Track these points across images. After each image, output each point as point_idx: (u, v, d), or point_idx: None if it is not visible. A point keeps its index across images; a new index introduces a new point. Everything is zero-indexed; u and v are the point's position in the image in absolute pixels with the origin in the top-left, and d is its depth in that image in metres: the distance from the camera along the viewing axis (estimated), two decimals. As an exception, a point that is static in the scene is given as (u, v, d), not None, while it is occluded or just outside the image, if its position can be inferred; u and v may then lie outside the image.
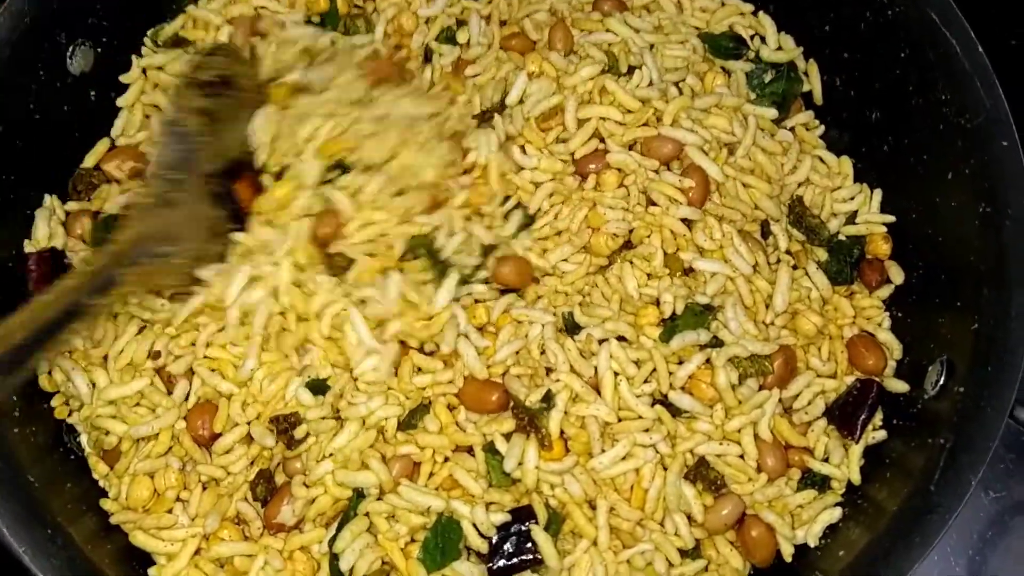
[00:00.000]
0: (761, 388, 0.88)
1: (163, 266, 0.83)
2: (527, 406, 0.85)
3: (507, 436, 0.85)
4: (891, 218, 0.96)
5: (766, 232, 0.94)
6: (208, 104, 0.88)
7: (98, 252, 0.83)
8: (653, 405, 0.87)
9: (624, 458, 0.85)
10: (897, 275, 0.94)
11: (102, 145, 0.97)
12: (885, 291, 0.95)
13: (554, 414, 0.84)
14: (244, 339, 0.87)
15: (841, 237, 0.96)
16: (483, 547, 0.82)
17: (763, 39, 1.03)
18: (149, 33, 1.00)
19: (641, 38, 0.99)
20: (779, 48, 1.03)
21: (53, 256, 0.92)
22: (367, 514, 0.83)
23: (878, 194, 0.97)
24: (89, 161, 0.97)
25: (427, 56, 1.01)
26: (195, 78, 0.90)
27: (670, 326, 0.88)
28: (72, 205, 0.95)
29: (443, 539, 0.82)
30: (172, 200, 0.85)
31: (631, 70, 0.97)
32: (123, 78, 0.98)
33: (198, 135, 0.87)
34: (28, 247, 0.92)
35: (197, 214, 0.86)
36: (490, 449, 0.85)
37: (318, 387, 0.85)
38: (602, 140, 0.96)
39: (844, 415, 0.88)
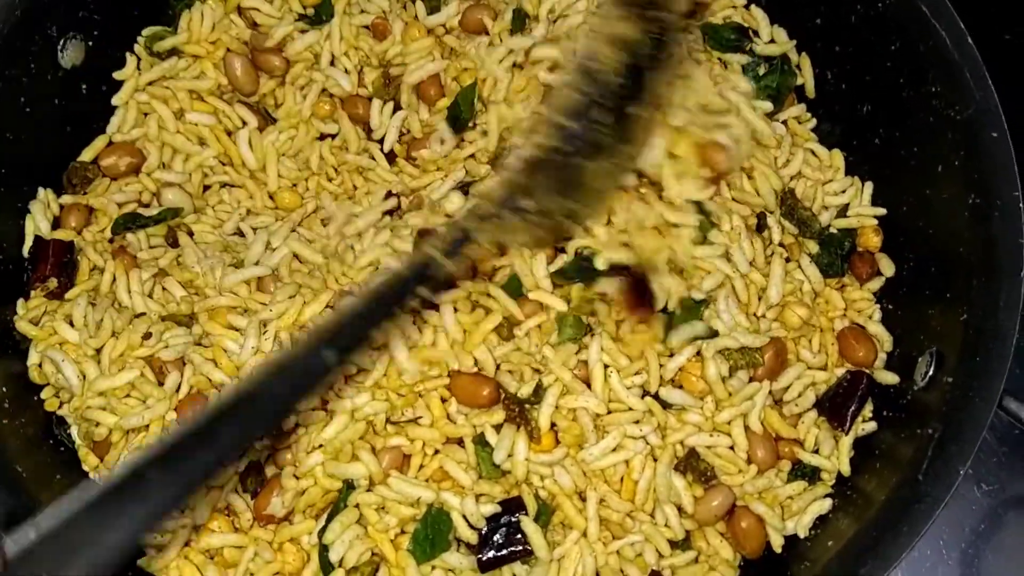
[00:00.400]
0: (751, 380, 0.88)
1: (518, 222, 0.76)
2: (518, 398, 0.85)
3: (497, 428, 0.85)
4: (882, 211, 0.96)
5: (762, 225, 0.94)
6: (628, 32, 0.75)
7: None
8: (643, 397, 0.86)
9: (614, 450, 0.85)
10: (888, 267, 0.94)
11: (100, 140, 0.97)
12: (876, 283, 0.95)
13: (544, 407, 0.84)
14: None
15: (832, 230, 0.96)
16: (473, 538, 0.82)
17: (756, 32, 1.03)
18: (145, 35, 0.99)
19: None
20: (772, 41, 1.02)
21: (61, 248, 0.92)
22: (357, 505, 0.83)
23: (869, 187, 0.97)
24: (86, 156, 0.97)
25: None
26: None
27: (664, 320, 0.88)
28: (66, 198, 0.95)
29: (433, 530, 0.82)
30: (556, 152, 0.76)
31: None
32: (117, 75, 0.98)
33: (610, 74, 0.74)
34: (29, 236, 0.92)
35: (563, 170, 0.76)
36: (480, 441, 0.84)
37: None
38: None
39: (834, 407, 0.88)
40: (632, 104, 0.76)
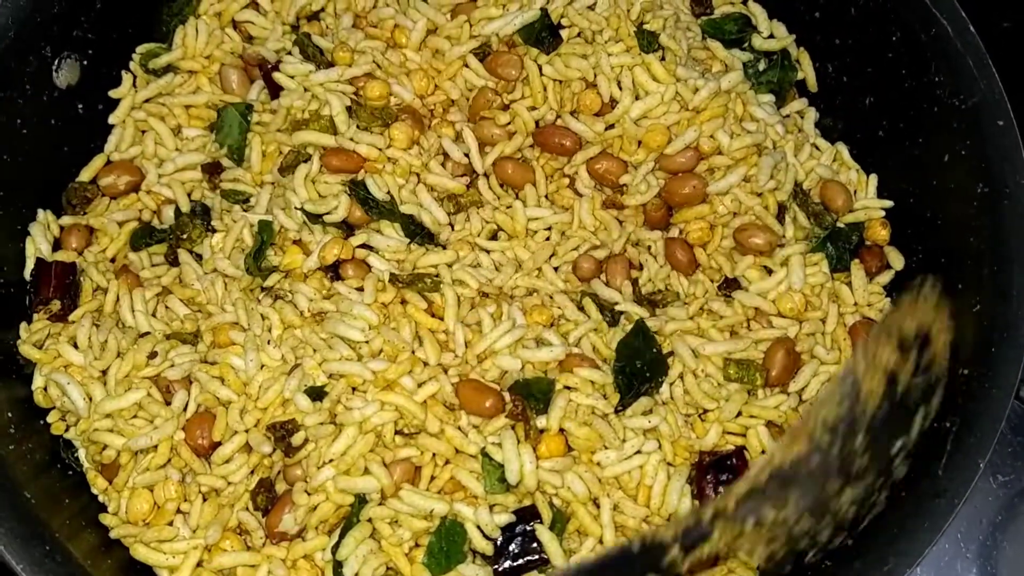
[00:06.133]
0: (767, 385, 0.87)
1: (755, 531, 0.69)
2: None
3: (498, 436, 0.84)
4: (889, 203, 0.95)
5: (781, 217, 0.94)
6: (896, 367, 0.71)
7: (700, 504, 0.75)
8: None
9: (629, 457, 0.84)
10: (897, 261, 0.94)
11: (99, 160, 0.97)
12: (885, 277, 0.94)
13: (554, 409, 0.83)
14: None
15: (839, 224, 0.95)
16: (488, 549, 0.81)
17: (754, 28, 1.02)
18: (140, 52, 0.99)
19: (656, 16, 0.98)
20: (771, 36, 1.02)
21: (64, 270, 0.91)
22: (370, 520, 0.82)
23: (874, 179, 0.97)
24: (85, 175, 0.96)
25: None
26: (895, 326, 0.72)
27: None
28: (66, 219, 0.94)
29: (447, 542, 0.81)
30: (812, 466, 0.70)
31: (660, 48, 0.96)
32: (113, 93, 0.98)
33: (873, 400, 0.70)
34: (30, 258, 0.91)
35: (822, 487, 0.70)
36: (487, 455, 0.84)
37: (316, 393, 0.84)
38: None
39: None
40: (895, 439, 0.72)
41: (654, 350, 0.87)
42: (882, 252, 0.94)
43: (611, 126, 0.95)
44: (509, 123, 0.96)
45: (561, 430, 0.84)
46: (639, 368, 0.86)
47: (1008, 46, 0.94)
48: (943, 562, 1.01)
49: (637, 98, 0.94)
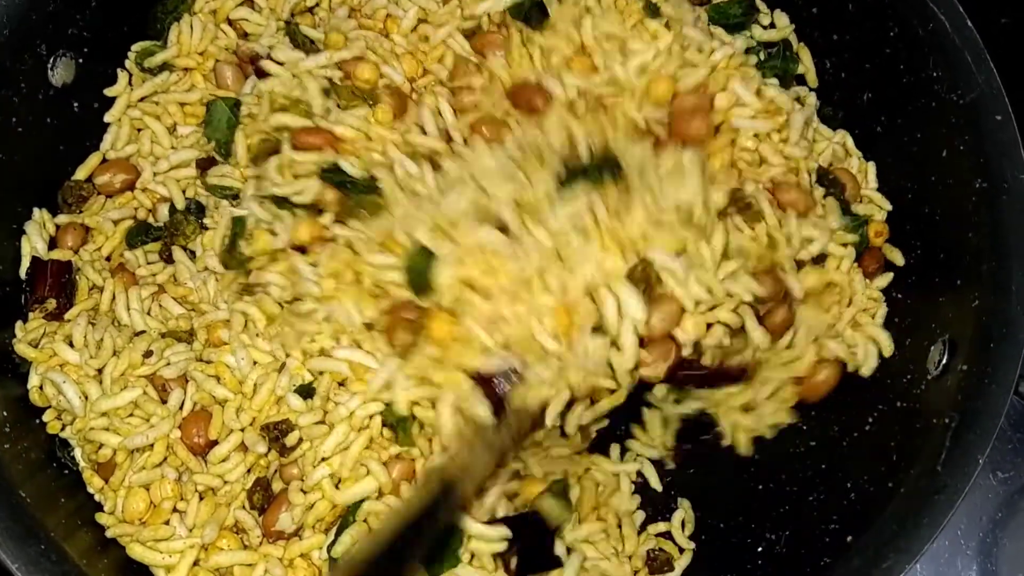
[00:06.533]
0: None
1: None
2: None
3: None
4: (888, 206, 0.95)
5: None
6: None
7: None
8: None
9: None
10: (897, 258, 0.93)
11: (94, 158, 0.96)
12: (883, 280, 0.93)
13: (441, 276, 0.83)
14: None
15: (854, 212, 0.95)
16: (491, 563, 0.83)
17: (758, 12, 1.02)
18: (135, 50, 0.98)
19: None
20: (771, 26, 1.01)
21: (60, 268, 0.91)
22: (366, 520, 0.82)
23: (872, 167, 0.96)
24: (80, 174, 0.96)
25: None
26: None
27: None
28: (62, 218, 0.94)
29: (439, 545, 0.81)
30: None
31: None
32: (108, 91, 0.97)
33: None
34: (26, 257, 0.91)
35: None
36: None
37: (306, 391, 0.84)
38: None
39: None
40: None
41: (609, 157, 0.85)
42: (880, 252, 0.94)
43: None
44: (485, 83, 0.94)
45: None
46: (587, 165, 0.84)
47: (1006, 41, 0.94)
48: (943, 559, 1.01)
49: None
